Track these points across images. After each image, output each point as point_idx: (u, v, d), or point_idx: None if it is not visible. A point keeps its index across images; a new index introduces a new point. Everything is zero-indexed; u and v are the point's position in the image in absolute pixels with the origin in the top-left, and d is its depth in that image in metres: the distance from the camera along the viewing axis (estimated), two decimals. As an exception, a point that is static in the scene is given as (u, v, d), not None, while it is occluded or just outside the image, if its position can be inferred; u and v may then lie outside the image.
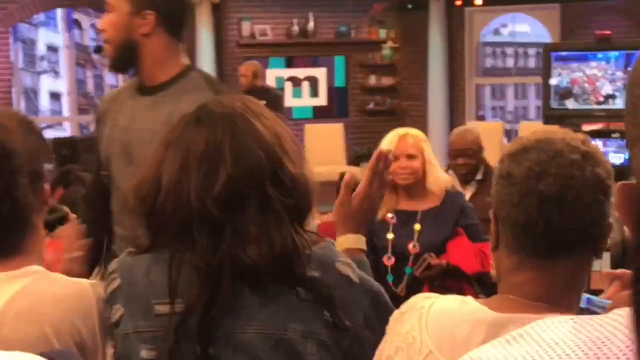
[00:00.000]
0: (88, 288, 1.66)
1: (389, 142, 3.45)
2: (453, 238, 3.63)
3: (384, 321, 1.53)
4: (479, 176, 4.60)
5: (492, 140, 9.74)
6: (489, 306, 1.39)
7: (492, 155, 9.14)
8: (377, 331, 1.55)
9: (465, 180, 4.58)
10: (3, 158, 1.62)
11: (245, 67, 8.52)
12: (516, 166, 1.38)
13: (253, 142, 1.55)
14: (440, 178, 3.50)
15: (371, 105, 10.69)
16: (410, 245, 3.50)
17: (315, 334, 1.55)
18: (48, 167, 1.83)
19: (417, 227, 3.59)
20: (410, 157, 3.57)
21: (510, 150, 1.42)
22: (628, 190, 0.70)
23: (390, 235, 3.60)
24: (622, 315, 0.67)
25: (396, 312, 1.51)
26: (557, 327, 0.70)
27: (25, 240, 1.69)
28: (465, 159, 4.56)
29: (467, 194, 4.38)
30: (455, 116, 11.60)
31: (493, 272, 1.61)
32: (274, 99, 7.97)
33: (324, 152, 9.49)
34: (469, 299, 1.48)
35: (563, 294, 1.37)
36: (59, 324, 1.59)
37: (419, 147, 3.46)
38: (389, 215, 3.60)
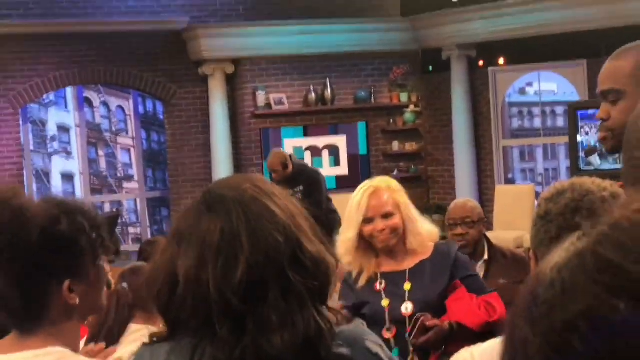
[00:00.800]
0: None
1: (357, 204, 3.13)
2: (451, 293, 3.31)
3: None
4: (485, 256, 4.32)
5: (524, 203, 10.01)
6: None
7: (524, 219, 8.87)
8: None
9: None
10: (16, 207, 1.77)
11: (270, 162, 8.40)
12: (553, 205, 1.59)
13: (269, 226, 1.55)
14: (422, 234, 3.15)
15: (395, 173, 10.62)
16: (403, 308, 3.19)
17: None
18: None
19: (407, 286, 3.27)
20: (387, 215, 3.23)
21: (546, 194, 1.65)
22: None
23: (385, 302, 3.26)
24: None
25: None
26: None
27: (50, 313, 1.78)
28: (464, 228, 4.31)
29: None
30: (483, 180, 11.28)
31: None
32: (308, 176, 8.27)
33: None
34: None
35: None
36: None
37: (395, 202, 3.13)
38: (378, 282, 3.32)
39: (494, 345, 1.71)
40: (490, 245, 4.36)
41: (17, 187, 1.93)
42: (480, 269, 4.20)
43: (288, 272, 1.49)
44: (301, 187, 8.06)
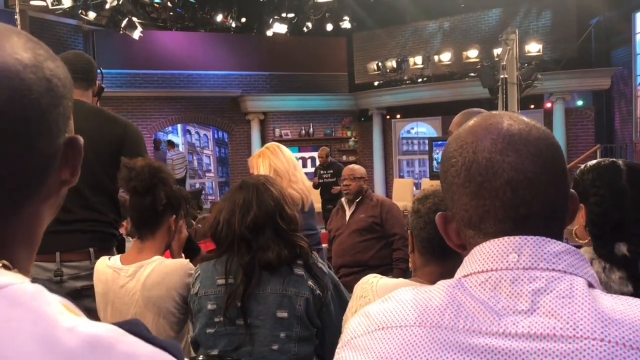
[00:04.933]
0: (188, 266, 2.17)
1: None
2: None
3: (340, 296, 2.04)
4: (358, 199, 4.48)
5: (406, 189, 12.62)
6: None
7: (407, 197, 12.00)
8: (338, 300, 2.03)
9: (349, 201, 4.52)
10: (156, 169, 2.15)
11: (320, 151, 9.74)
12: (422, 206, 1.68)
13: (267, 198, 1.99)
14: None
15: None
16: None
17: (302, 294, 1.94)
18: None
19: None
20: None
21: (418, 196, 1.73)
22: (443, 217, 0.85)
23: None
24: (440, 284, 0.79)
25: (356, 286, 1.84)
26: (406, 291, 0.82)
27: (156, 232, 2.18)
28: (348, 181, 4.44)
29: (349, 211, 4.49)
30: (387, 175, 14.45)
31: (411, 265, 1.82)
32: (337, 167, 8.99)
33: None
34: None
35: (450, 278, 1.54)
36: (177, 285, 2.11)
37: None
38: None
39: (396, 283, 1.77)
40: (365, 194, 4.46)
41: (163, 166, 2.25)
42: (353, 205, 4.46)
43: (277, 220, 1.97)
44: (331, 171, 9.27)
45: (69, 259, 2.49)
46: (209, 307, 1.96)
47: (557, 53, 12.55)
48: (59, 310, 0.55)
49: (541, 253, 0.75)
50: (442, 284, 0.80)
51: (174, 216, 2.27)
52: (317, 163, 9.94)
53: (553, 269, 0.74)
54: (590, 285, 0.75)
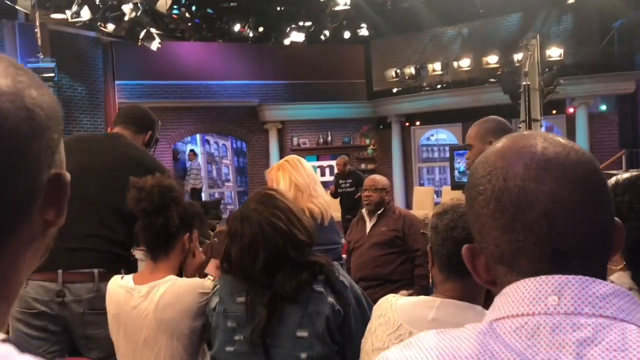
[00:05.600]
0: (202, 286, 2.10)
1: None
2: None
3: (362, 309, 1.97)
4: (379, 211, 4.38)
5: (427, 197, 12.72)
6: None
7: (428, 205, 12.25)
8: (360, 314, 1.96)
9: (370, 212, 4.42)
10: (167, 189, 2.12)
11: (339, 160, 9.65)
12: (439, 222, 1.63)
13: (274, 234, 1.89)
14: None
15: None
16: None
17: (323, 311, 1.90)
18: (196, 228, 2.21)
19: None
20: None
21: (437, 211, 1.68)
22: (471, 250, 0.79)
23: None
24: (469, 329, 0.71)
25: (375, 306, 1.80)
26: (429, 336, 0.73)
27: (170, 253, 2.13)
28: (369, 192, 4.36)
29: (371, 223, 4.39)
30: (407, 184, 14.36)
31: (432, 280, 1.81)
32: (357, 177, 9.15)
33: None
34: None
35: (473, 295, 1.59)
36: (191, 306, 2.06)
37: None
38: None
39: (415, 302, 1.72)
40: (387, 206, 4.38)
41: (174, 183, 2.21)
42: (375, 217, 4.36)
43: (290, 254, 1.90)
44: (350, 181, 9.23)
45: (71, 279, 2.44)
46: (229, 324, 1.94)
47: (579, 57, 12.39)
48: None
49: (586, 296, 0.67)
50: (472, 328, 0.71)
51: (188, 234, 2.23)
52: (336, 171, 9.95)
53: (600, 315, 0.66)
54: None
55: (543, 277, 0.69)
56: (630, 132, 12.44)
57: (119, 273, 2.37)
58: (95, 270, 2.45)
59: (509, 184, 0.72)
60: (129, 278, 2.22)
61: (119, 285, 2.22)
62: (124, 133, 2.85)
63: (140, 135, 2.88)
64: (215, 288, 2.03)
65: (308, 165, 3.03)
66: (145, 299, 2.12)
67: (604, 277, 0.71)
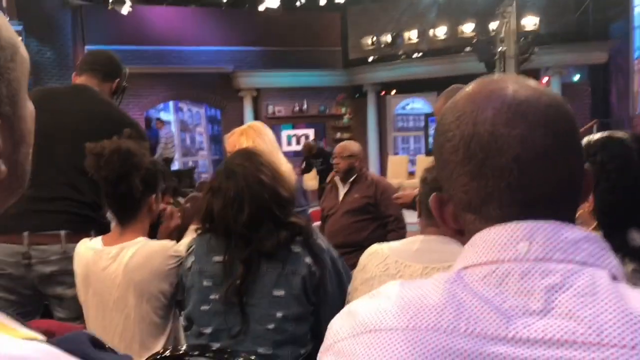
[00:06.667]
0: (172, 249, 2.09)
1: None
2: None
3: (338, 272, 2.01)
4: (351, 179, 4.37)
5: (401, 166, 13.14)
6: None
7: (402, 173, 12.82)
8: (336, 277, 2.00)
9: (342, 179, 4.42)
10: (127, 154, 2.05)
11: (302, 148, 10.16)
12: (428, 175, 1.73)
13: (261, 190, 1.89)
14: None
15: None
16: None
17: (299, 272, 1.92)
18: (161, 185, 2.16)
19: None
20: None
21: (426, 167, 1.75)
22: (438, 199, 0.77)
23: None
24: (436, 278, 0.70)
25: (364, 253, 1.91)
26: (395, 286, 0.72)
27: (137, 215, 2.10)
28: (338, 159, 4.37)
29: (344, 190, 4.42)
30: (382, 152, 14.43)
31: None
32: (326, 153, 9.06)
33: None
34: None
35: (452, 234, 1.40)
36: (161, 268, 2.06)
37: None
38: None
39: (400, 241, 1.83)
40: (360, 173, 4.35)
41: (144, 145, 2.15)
42: (347, 185, 4.37)
43: (274, 210, 1.91)
44: (321, 159, 9.50)
45: (37, 241, 2.40)
46: (205, 283, 1.94)
47: (554, 27, 12.42)
48: None
49: (556, 241, 0.65)
50: (439, 278, 0.70)
51: (154, 195, 2.20)
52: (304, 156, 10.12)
53: (570, 261, 0.64)
54: (614, 278, 0.64)
55: (514, 223, 0.67)
56: (602, 102, 12.56)
57: (88, 235, 2.33)
58: (62, 232, 2.40)
59: (478, 129, 0.69)
60: (98, 240, 2.19)
61: (87, 247, 2.19)
62: (90, 82, 2.73)
63: (107, 83, 2.77)
64: (192, 248, 2.02)
65: (270, 132, 3.07)
66: (114, 261, 2.10)
67: (573, 222, 0.70)
